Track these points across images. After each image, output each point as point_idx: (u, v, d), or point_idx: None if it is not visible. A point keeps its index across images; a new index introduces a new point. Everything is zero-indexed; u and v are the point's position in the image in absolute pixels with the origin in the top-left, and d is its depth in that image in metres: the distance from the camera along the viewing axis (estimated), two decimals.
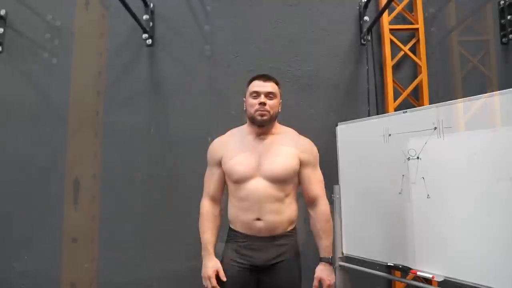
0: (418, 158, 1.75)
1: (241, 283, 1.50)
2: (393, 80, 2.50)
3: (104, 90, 2.59)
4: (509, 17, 2.55)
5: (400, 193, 1.83)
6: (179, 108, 2.56)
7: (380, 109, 2.49)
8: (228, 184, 1.58)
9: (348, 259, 2.09)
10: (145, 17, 2.56)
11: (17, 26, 2.65)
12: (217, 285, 1.46)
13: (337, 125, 2.21)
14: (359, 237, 2.05)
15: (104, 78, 2.59)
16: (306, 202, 1.60)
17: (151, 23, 2.59)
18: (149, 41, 2.58)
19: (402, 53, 2.53)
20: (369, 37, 2.52)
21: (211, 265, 1.49)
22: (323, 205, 1.57)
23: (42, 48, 2.63)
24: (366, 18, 2.55)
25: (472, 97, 1.55)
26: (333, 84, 2.58)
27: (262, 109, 1.50)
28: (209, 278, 1.46)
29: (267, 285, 1.51)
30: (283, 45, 2.61)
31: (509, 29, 2.54)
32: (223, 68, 2.60)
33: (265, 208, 1.48)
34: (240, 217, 1.52)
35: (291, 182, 1.54)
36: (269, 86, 1.53)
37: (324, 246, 1.53)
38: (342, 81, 2.58)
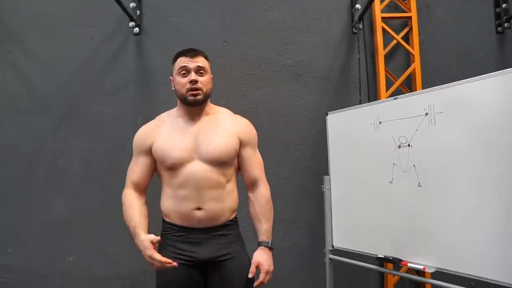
0: (409, 145, 1.70)
1: (186, 282, 1.35)
2: (385, 69, 2.45)
3: (90, 80, 2.52)
4: (504, 5, 2.50)
5: (391, 182, 1.78)
6: (166, 98, 2.48)
7: (372, 99, 2.43)
8: (161, 173, 1.45)
9: (339, 251, 2.04)
10: (132, 5, 2.50)
11: (0, 15, 2.58)
12: (161, 258, 1.23)
13: (327, 115, 2.16)
14: (349, 228, 2.00)
15: (90, 67, 2.53)
16: (246, 186, 1.51)
17: (138, 11, 2.52)
18: (136, 30, 2.51)
19: (394, 41, 2.47)
20: (360, 26, 2.45)
21: (144, 245, 1.24)
22: (263, 188, 1.48)
23: (27, 37, 2.55)
24: (357, 6, 2.48)
25: (463, 80, 1.50)
26: (324, 74, 2.52)
27: (194, 87, 1.37)
28: (151, 257, 1.24)
29: (216, 284, 1.37)
30: (274, 34, 2.54)
31: (504, 18, 2.49)
32: (212, 58, 2.50)
33: (205, 196, 1.35)
34: (177, 207, 1.38)
35: (232, 164, 1.44)
36: (199, 61, 1.41)
37: (264, 230, 1.41)
38: (334, 70, 2.52)
